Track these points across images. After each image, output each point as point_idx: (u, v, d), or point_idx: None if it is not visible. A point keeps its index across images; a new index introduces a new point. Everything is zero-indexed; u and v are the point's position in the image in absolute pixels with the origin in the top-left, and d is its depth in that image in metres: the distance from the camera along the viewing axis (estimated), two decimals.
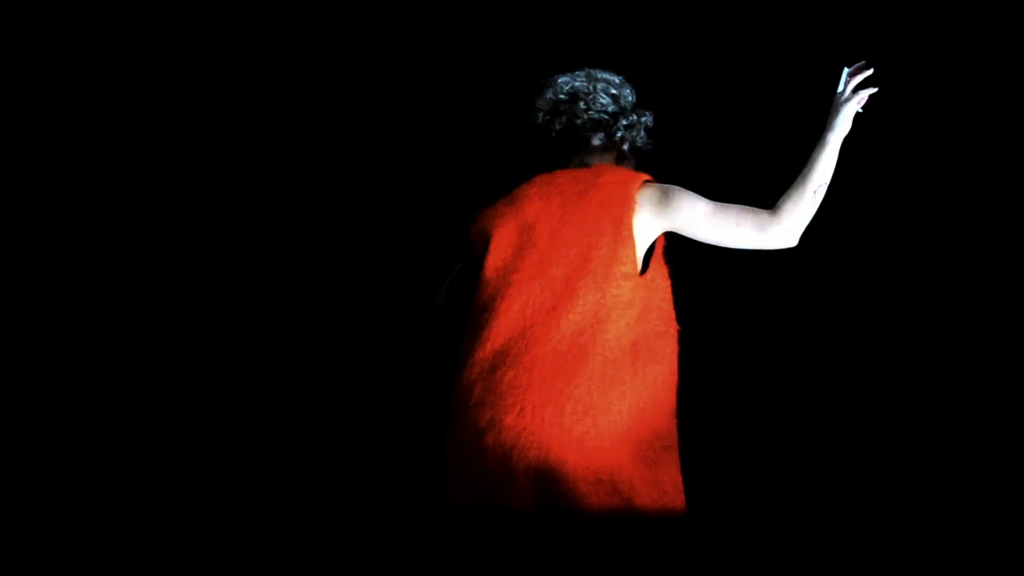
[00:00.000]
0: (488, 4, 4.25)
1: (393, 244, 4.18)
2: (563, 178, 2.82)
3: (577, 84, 2.96)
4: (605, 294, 2.65)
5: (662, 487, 2.65)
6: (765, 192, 3.25)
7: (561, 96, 2.94)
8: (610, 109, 2.92)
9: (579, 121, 2.91)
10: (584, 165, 2.90)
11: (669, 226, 2.73)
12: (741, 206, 2.71)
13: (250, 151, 4.24)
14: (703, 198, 2.74)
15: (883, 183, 3.92)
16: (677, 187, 2.76)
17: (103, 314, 4.14)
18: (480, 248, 2.81)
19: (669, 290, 2.77)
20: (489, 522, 2.62)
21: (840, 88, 2.73)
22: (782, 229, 2.67)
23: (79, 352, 4.10)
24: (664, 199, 2.72)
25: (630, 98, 2.99)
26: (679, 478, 2.70)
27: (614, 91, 2.97)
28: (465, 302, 2.85)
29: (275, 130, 4.26)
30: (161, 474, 4.06)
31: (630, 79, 3.26)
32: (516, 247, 2.76)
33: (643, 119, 2.98)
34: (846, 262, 3.96)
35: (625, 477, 2.61)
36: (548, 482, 2.57)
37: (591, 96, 2.93)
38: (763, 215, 2.68)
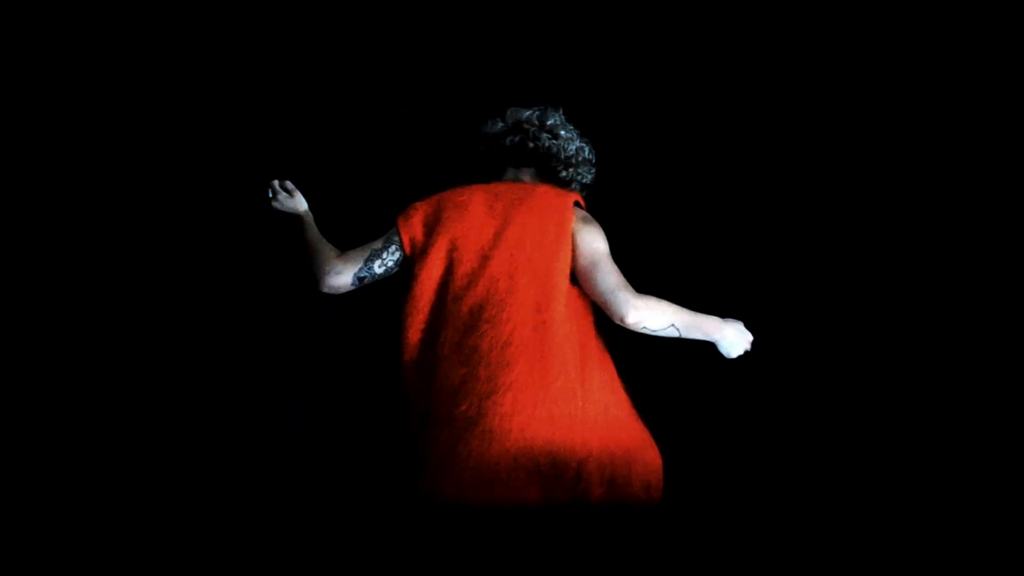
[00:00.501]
0: (488, 4, 4.25)
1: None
2: (502, 188, 2.97)
3: (550, 118, 3.06)
4: (550, 293, 2.78)
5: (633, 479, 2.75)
6: (762, 192, 3.25)
7: (524, 119, 3.05)
8: (566, 150, 3.05)
9: (532, 145, 3.02)
10: (518, 180, 3.03)
11: (577, 245, 2.87)
12: (618, 277, 2.84)
13: (250, 151, 4.24)
14: (602, 248, 2.89)
15: (881, 183, 3.93)
16: (595, 225, 2.92)
17: (103, 314, 4.14)
18: (417, 248, 2.89)
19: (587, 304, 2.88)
20: (489, 521, 2.64)
21: (733, 348, 2.95)
22: (630, 315, 2.77)
23: (80, 352, 4.10)
24: (587, 221, 2.90)
25: (580, 152, 3.09)
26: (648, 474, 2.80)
27: (577, 140, 3.07)
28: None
29: (275, 130, 4.26)
30: (161, 474, 4.06)
31: (628, 80, 3.27)
32: (462, 251, 2.87)
33: (586, 171, 3.07)
34: (844, 263, 3.96)
35: (607, 466, 2.71)
36: (550, 474, 2.63)
37: (555, 131, 3.04)
38: (630, 293, 2.80)
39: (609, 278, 2.81)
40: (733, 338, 2.91)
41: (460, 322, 2.80)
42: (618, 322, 2.79)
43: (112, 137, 4.21)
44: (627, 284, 2.80)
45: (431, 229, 2.90)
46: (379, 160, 4.30)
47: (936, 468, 3.81)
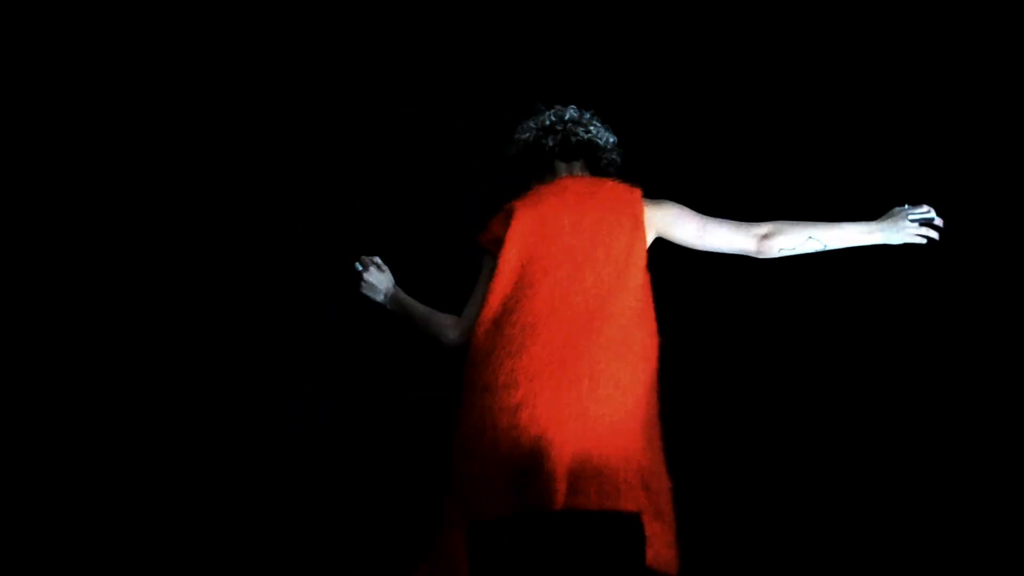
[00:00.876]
0: (488, 5, 4.25)
1: (393, 244, 4.17)
2: (569, 182, 2.99)
3: (570, 113, 3.13)
4: (623, 285, 2.81)
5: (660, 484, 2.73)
6: (761, 195, 3.22)
7: (555, 119, 3.08)
8: (602, 138, 3.10)
9: (575, 139, 3.07)
10: (572, 175, 3.04)
11: (670, 222, 2.93)
12: (729, 223, 2.90)
13: (250, 151, 4.25)
14: (692, 214, 2.93)
15: (879, 183, 3.93)
16: (668, 200, 2.95)
17: (104, 314, 4.14)
18: (496, 248, 2.89)
19: (652, 299, 2.91)
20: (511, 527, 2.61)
21: (909, 219, 2.84)
22: (762, 242, 2.87)
23: (80, 352, 4.10)
24: (659, 201, 2.94)
25: (612, 138, 3.15)
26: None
27: (602, 126, 3.14)
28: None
29: (275, 130, 4.26)
30: (162, 474, 4.06)
31: (628, 81, 3.24)
32: (537, 239, 2.88)
33: (618, 155, 3.15)
34: (841, 266, 3.96)
35: (635, 467, 2.68)
36: (577, 472, 2.61)
37: (587, 122, 3.11)
38: (752, 224, 2.87)
39: (723, 224, 2.90)
40: (893, 235, 2.82)
41: (532, 317, 2.79)
42: (755, 253, 2.86)
43: (114, 138, 4.22)
44: (744, 221, 2.87)
45: (515, 243, 2.91)
46: (379, 160, 4.30)
47: (936, 469, 3.81)
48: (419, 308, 3.08)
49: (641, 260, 2.85)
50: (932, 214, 2.84)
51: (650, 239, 2.91)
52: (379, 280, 3.11)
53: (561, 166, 3.09)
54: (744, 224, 2.88)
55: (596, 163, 3.11)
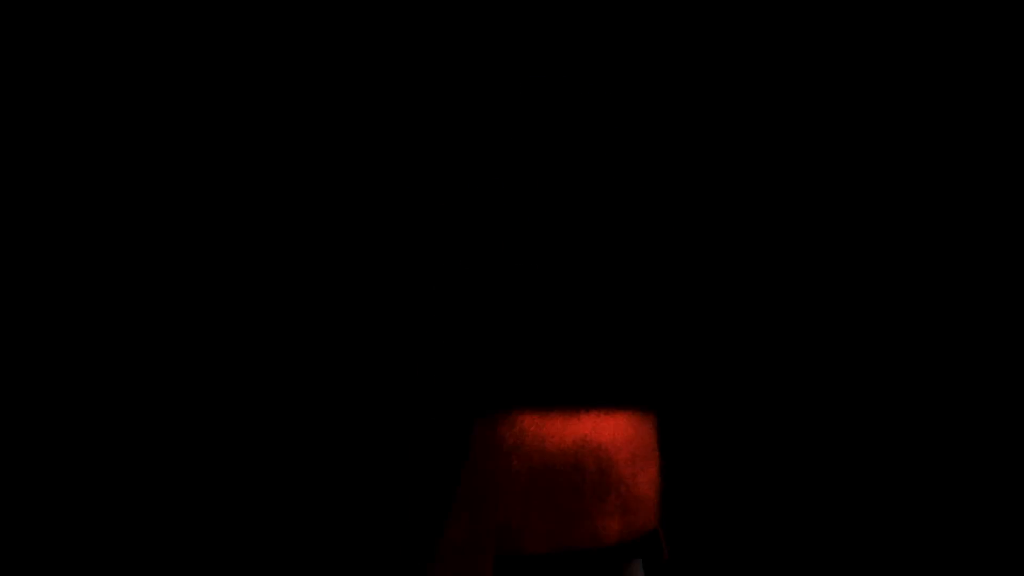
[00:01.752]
0: (488, 4, 4.25)
1: (392, 244, 4.18)
2: None
3: None
4: None
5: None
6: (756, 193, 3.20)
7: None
8: None
9: None
10: None
11: None
12: None
13: (250, 151, 4.25)
14: None
15: (879, 183, 3.93)
16: None
17: (100, 314, 4.14)
18: None
19: None
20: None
21: None
22: None
23: (75, 352, 4.11)
24: None
25: None
26: None
27: None
28: None
29: (275, 130, 4.26)
30: (161, 475, 4.06)
31: (629, 79, 3.21)
32: None
33: None
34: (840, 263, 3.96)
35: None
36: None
37: None
38: None
39: None
40: None
41: None
42: None
43: (111, 137, 4.22)
44: None
45: None
46: (379, 159, 4.30)
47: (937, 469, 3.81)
48: None
49: None
50: None
51: None
52: None
53: None
54: None
55: None
